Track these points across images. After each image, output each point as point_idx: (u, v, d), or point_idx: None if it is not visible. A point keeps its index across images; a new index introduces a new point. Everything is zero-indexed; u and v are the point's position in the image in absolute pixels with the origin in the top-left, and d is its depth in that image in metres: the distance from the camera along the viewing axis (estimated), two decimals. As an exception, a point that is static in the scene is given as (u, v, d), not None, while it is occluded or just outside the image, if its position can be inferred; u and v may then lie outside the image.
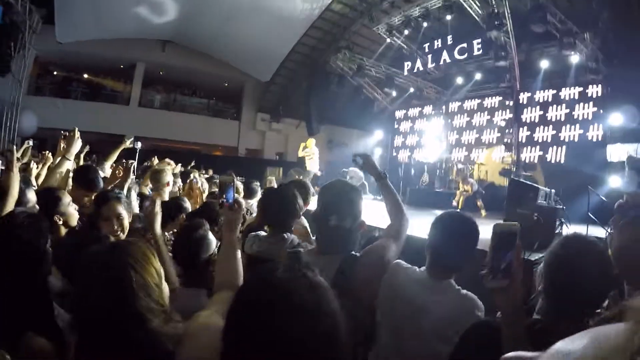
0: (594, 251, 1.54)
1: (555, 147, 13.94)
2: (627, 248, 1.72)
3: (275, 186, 5.72)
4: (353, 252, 2.07)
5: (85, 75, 22.25)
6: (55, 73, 21.63)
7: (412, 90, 18.37)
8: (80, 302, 1.36)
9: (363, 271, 1.94)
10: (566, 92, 13.91)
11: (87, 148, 5.25)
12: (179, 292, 2.18)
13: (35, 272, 1.72)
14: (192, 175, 7.10)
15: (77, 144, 3.49)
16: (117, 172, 3.89)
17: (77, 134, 3.45)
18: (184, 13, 17.77)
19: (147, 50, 21.05)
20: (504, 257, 1.34)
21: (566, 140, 13.66)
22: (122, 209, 2.81)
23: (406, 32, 15.72)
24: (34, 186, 3.58)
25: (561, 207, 8.60)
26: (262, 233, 2.81)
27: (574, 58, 12.28)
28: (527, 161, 14.58)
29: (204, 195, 5.17)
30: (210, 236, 2.52)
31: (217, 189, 6.39)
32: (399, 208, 2.27)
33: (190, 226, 2.60)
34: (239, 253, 1.93)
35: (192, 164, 11.54)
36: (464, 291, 2.02)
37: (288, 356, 0.89)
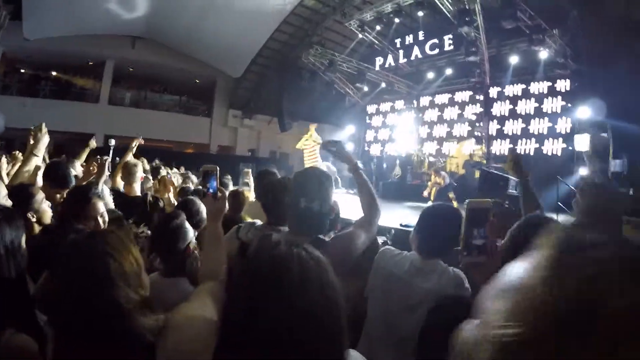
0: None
1: (524, 139, 14.31)
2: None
3: (251, 179, 5.82)
4: (321, 237, 2.11)
5: (54, 73, 21.66)
6: (22, 71, 20.99)
7: (383, 85, 18.53)
8: (57, 292, 1.32)
9: (329, 256, 1.90)
10: (535, 87, 14.28)
11: (51, 144, 5.07)
12: (159, 282, 2.19)
13: (12, 268, 1.63)
14: (164, 171, 7.06)
15: (45, 140, 3.40)
16: (91, 168, 3.86)
17: (44, 129, 3.37)
18: (154, 9, 17.51)
19: (116, 46, 20.61)
20: (478, 233, 1.39)
21: (535, 133, 14.02)
22: (102, 207, 2.76)
23: (378, 27, 15.87)
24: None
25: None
26: (258, 222, 2.86)
27: (543, 54, 12.63)
28: (497, 154, 14.92)
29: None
30: (187, 225, 2.52)
31: (189, 185, 6.42)
32: (371, 198, 2.27)
33: (167, 216, 2.61)
34: (223, 243, 1.93)
35: (156, 161, 11.28)
36: (453, 268, 2.13)
37: (294, 327, 0.92)
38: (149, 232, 3.11)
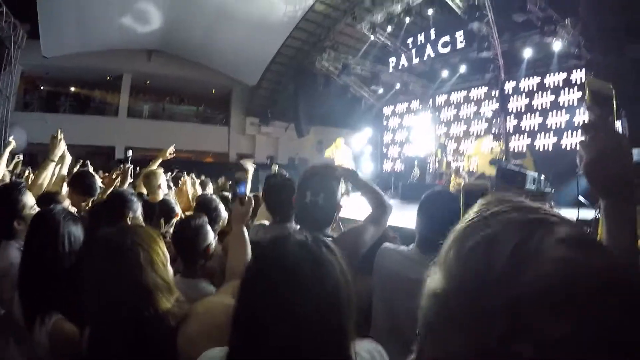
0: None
1: (543, 133, 14.04)
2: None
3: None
4: (329, 232, 2.15)
5: (73, 89, 22.18)
6: (42, 88, 21.53)
7: (398, 86, 18.45)
8: (90, 280, 1.44)
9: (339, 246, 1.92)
10: (550, 79, 13.98)
11: (73, 159, 5.14)
12: (179, 283, 2.21)
13: (71, 260, 1.85)
14: (184, 176, 7.12)
15: (61, 146, 3.49)
16: (114, 177, 3.98)
17: (60, 136, 3.47)
18: (168, 22, 17.84)
19: (133, 60, 21.05)
20: None
21: (553, 127, 13.77)
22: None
23: (389, 28, 15.84)
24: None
25: (550, 190, 8.76)
26: (266, 222, 2.89)
27: (556, 45, 12.31)
28: (515, 150, 14.71)
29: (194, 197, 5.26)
30: (208, 227, 2.55)
31: (208, 192, 6.50)
32: (377, 197, 2.27)
33: (188, 217, 2.67)
34: (247, 244, 1.98)
35: (175, 172, 11.34)
36: None
37: (290, 325, 0.94)
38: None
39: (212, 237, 2.56)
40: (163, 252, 1.52)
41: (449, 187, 12.79)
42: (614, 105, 1.12)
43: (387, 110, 21.14)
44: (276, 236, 1.13)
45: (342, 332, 0.99)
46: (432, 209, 2.18)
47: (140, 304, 1.38)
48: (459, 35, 14.17)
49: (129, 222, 2.78)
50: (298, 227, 2.76)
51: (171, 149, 5.27)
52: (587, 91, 1.03)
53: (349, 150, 14.04)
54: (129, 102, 22.38)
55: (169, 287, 1.48)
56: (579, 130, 12.58)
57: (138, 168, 6.89)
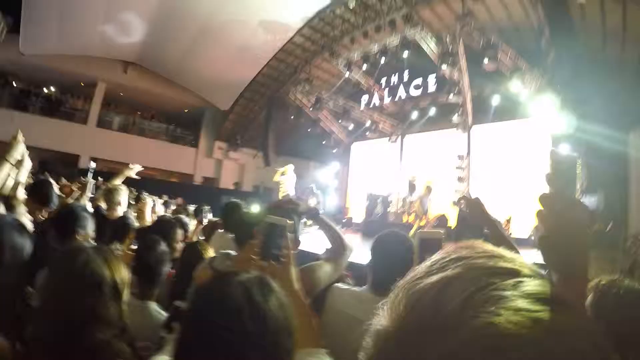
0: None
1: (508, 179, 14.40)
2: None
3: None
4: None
5: (45, 90, 21.67)
6: (14, 84, 20.87)
7: (368, 123, 18.81)
8: (45, 295, 1.43)
9: None
10: (517, 127, 14.43)
11: (35, 161, 4.90)
12: (131, 304, 2.22)
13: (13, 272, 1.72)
14: (143, 195, 7.05)
15: (19, 149, 3.34)
16: (71, 188, 3.93)
17: (20, 137, 3.34)
18: (149, 36, 17.81)
19: (109, 69, 20.77)
20: None
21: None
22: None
23: (364, 67, 16.27)
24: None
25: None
26: (233, 252, 2.90)
27: (524, 93, 12.75)
28: (479, 194, 15.03)
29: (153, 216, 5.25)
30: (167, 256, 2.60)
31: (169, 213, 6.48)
32: (338, 238, 2.27)
33: (152, 243, 2.64)
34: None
35: (134, 191, 11.03)
36: None
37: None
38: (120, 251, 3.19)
39: (169, 265, 2.61)
40: (120, 280, 1.49)
41: (413, 228, 12.96)
42: (576, 178, 1.10)
43: (355, 146, 21.45)
44: (221, 275, 1.17)
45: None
46: (385, 251, 2.21)
47: (74, 331, 1.33)
48: (431, 78, 14.67)
49: (79, 239, 2.78)
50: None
51: (138, 168, 5.21)
52: (550, 162, 0.95)
53: (294, 178, 14.30)
54: (100, 112, 21.92)
55: (109, 321, 1.41)
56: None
57: (101, 179, 6.80)
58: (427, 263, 0.54)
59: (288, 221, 1.57)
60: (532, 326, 0.41)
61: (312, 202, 13.17)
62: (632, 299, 1.71)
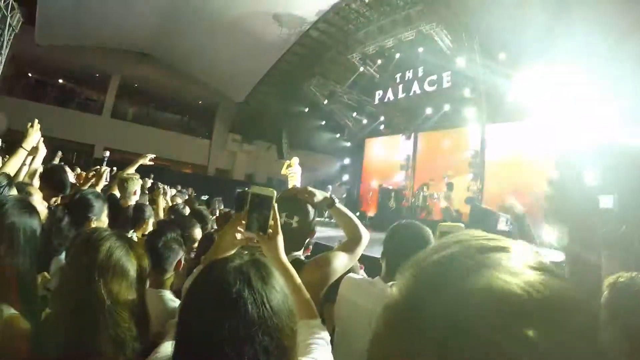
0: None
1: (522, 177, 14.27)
2: None
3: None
4: (300, 256, 2.12)
5: (60, 81, 21.88)
6: (30, 75, 21.17)
7: (382, 118, 18.79)
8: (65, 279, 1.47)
9: (307, 273, 1.89)
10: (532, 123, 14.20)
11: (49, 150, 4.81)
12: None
13: (27, 254, 1.72)
14: (159, 185, 7.13)
15: (35, 136, 3.38)
16: (90, 176, 3.97)
17: (37, 126, 3.37)
18: (163, 27, 17.86)
19: (124, 61, 20.91)
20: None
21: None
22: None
23: (379, 61, 16.21)
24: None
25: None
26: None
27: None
28: (492, 190, 14.97)
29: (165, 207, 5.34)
30: (179, 242, 2.60)
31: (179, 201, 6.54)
32: (354, 226, 2.20)
33: (162, 228, 2.66)
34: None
35: (151, 180, 11.00)
36: None
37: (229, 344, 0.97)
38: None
39: (181, 253, 2.58)
40: (143, 267, 1.50)
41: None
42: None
43: (368, 140, 21.38)
44: (215, 263, 1.15)
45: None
46: (399, 241, 2.22)
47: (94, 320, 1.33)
48: (446, 75, 14.55)
49: (92, 225, 2.81)
50: None
51: (150, 156, 5.24)
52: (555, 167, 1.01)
53: (300, 170, 14.31)
54: (114, 103, 22.14)
55: (131, 309, 1.41)
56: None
57: (115, 169, 6.86)
58: (433, 245, 0.59)
59: (274, 191, 1.56)
60: (524, 287, 0.45)
61: (341, 192, 13.22)
62: None
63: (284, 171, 14.85)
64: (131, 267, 1.42)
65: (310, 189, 2.19)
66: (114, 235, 1.48)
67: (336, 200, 2.21)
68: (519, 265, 0.49)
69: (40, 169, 3.72)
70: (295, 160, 14.28)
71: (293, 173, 13.91)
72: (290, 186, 13.19)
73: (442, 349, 0.44)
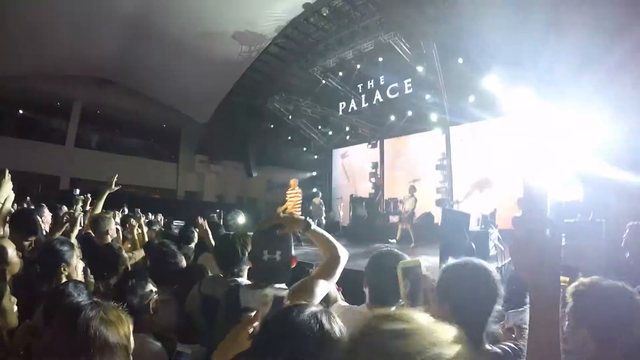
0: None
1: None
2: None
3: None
4: (282, 287, 2.11)
5: (20, 111, 21.02)
6: (-12, 107, 20.38)
7: (347, 128, 18.98)
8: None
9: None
10: (496, 124, 14.67)
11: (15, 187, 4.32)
12: None
13: None
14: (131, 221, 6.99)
15: (7, 187, 3.33)
16: (63, 219, 3.86)
17: (8, 177, 3.30)
18: (123, 52, 17.63)
19: (85, 88, 20.40)
20: None
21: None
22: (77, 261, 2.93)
23: (340, 73, 16.39)
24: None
25: (493, 228, 9.22)
26: (220, 276, 2.96)
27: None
28: (461, 193, 15.29)
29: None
30: (149, 284, 2.58)
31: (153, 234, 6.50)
32: (332, 249, 2.20)
33: (132, 270, 2.73)
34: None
35: (124, 211, 10.73)
36: None
37: None
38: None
39: (153, 293, 2.56)
40: (127, 336, 1.50)
41: (398, 231, 13.04)
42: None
43: (335, 151, 21.57)
44: (289, 308, 1.35)
45: None
46: (379, 269, 2.31)
47: None
48: (407, 82, 14.81)
49: (64, 277, 2.74)
50: (245, 280, 2.82)
51: (115, 180, 5.08)
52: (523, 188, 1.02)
53: (300, 192, 13.52)
54: (78, 131, 21.54)
55: None
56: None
57: (89, 196, 6.76)
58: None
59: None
60: None
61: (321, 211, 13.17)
62: (612, 294, 1.79)
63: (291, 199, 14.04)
64: (119, 341, 1.43)
65: (285, 216, 2.18)
66: (95, 308, 1.47)
67: (312, 224, 2.20)
68: None
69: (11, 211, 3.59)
70: (295, 182, 13.56)
71: (293, 194, 13.22)
72: (289, 209, 12.60)
73: None
